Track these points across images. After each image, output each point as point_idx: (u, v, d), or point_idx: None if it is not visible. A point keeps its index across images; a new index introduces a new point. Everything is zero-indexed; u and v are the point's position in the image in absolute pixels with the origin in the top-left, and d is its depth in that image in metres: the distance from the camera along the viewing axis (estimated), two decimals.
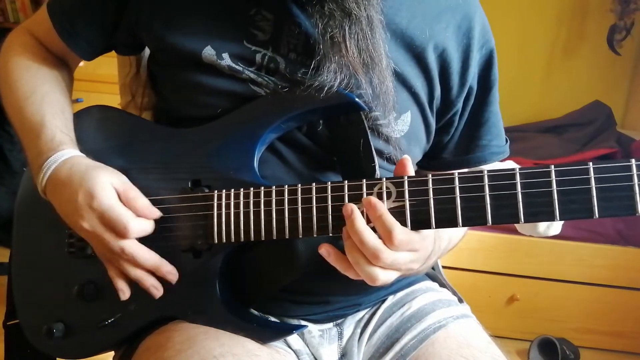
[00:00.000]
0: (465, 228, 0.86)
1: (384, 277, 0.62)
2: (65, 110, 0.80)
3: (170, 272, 0.72)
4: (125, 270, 0.71)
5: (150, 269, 0.71)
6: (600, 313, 2.01)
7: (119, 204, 0.69)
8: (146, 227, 0.70)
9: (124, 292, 0.72)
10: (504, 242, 1.98)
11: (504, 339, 2.02)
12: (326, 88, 0.68)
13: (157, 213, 0.71)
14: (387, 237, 0.60)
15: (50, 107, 0.79)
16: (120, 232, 0.68)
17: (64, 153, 0.74)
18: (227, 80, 0.73)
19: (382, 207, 0.61)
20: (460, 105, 0.80)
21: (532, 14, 2.68)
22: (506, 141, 0.88)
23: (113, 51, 0.89)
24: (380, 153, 0.75)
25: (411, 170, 0.65)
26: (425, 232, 0.64)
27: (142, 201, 0.71)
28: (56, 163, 0.73)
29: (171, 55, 0.76)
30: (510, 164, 2.01)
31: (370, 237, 0.60)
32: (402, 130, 0.76)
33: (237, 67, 0.73)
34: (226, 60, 0.73)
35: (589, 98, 2.63)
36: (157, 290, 0.72)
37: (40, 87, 0.81)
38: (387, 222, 0.60)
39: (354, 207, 0.61)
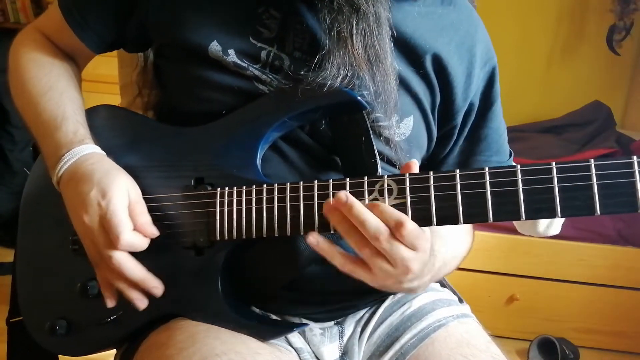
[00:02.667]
0: (462, 254, 0.83)
1: (377, 264, 0.62)
2: (82, 108, 0.81)
3: (156, 287, 0.71)
4: (110, 278, 0.71)
5: (136, 282, 0.70)
6: (600, 313, 2.01)
7: (125, 212, 0.69)
8: (138, 243, 0.69)
9: (110, 300, 0.72)
10: (504, 242, 1.98)
11: (503, 339, 2.02)
12: (328, 83, 0.69)
13: (154, 232, 0.71)
14: (397, 227, 0.60)
15: (70, 102, 0.80)
16: (112, 239, 0.68)
17: (88, 147, 0.74)
18: (232, 76, 0.74)
19: (384, 204, 0.61)
20: (460, 120, 0.81)
21: (531, 14, 2.68)
22: (510, 154, 0.88)
23: (114, 51, 0.89)
24: (380, 154, 0.75)
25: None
26: (427, 234, 0.63)
27: (145, 218, 0.71)
28: (79, 155, 0.73)
29: (178, 50, 0.77)
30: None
31: (371, 217, 0.60)
32: (403, 133, 0.77)
33: (242, 63, 0.73)
34: (232, 56, 0.73)
35: (589, 98, 2.64)
36: (141, 303, 0.72)
37: (57, 84, 0.81)
38: (394, 214, 0.60)
39: (347, 194, 0.61)
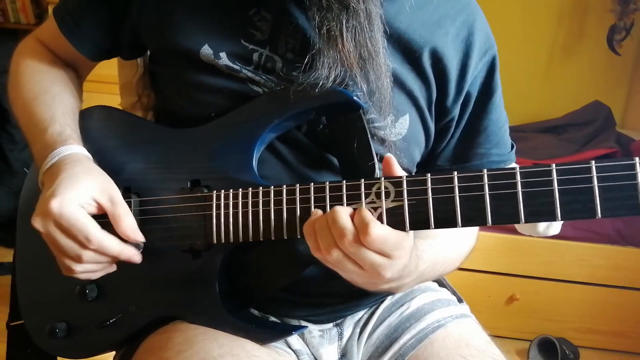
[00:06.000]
0: (460, 257, 0.82)
1: (346, 266, 0.61)
2: (75, 111, 0.81)
3: (134, 256, 0.70)
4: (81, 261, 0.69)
5: (113, 257, 0.69)
6: (600, 313, 2.01)
7: (80, 215, 0.66)
8: (129, 253, 0.69)
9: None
10: (504, 242, 1.98)
11: (503, 339, 2.02)
12: (320, 83, 0.68)
13: (140, 238, 0.70)
14: (361, 231, 0.58)
15: (61, 105, 0.79)
16: (81, 242, 0.66)
17: (70, 148, 0.74)
18: (226, 79, 0.73)
19: (364, 209, 0.60)
20: (457, 112, 0.79)
21: (532, 14, 2.68)
22: (512, 147, 0.86)
23: (111, 58, 0.89)
24: (377, 155, 0.75)
25: (397, 169, 0.64)
26: (404, 241, 0.61)
27: (128, 221, 0.69)
28: (60, 155, 0.72)
29: (170, 55, 0.77)
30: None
31: (344, 216, 0.59)
32: (400, 133, 0.76)
33: (234, 66, 0.73)
34: (224, 59, 0.73)
35: (589, 98, 2.63)
36: (136, 257, 0.70)
37: (51, 88, 0.81)
38: (364, 218, 0.59)
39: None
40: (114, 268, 0.72)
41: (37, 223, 0.68)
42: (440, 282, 0.94)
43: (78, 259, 0.68)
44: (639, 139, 2.29)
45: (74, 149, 0.74)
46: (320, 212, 0.63)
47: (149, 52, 0.87)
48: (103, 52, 0.85)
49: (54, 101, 0.79)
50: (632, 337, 2.02)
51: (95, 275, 0.71)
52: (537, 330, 2.00)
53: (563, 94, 2.74)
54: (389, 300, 0.85)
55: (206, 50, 0.73)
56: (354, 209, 0.61)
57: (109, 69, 1.10)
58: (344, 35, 0.66)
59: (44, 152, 0.74)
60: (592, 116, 2.54)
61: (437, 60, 0.75)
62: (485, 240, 1.97)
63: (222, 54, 0.73)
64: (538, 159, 2.19)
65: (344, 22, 0.66)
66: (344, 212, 0.60)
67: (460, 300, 0.90)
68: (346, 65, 0.68)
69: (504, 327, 2.04)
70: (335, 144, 0.74)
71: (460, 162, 0.82)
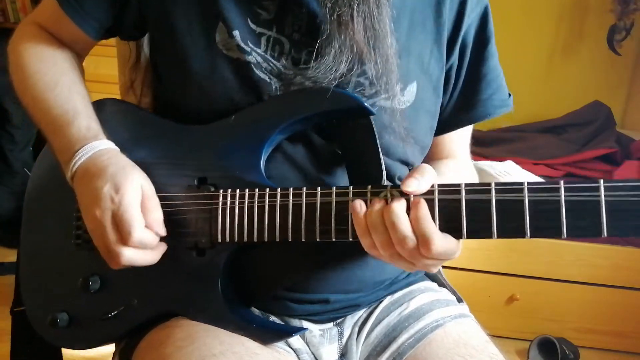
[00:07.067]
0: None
1: (399, 262, 0.64)
2: (90, 102, 0.80)
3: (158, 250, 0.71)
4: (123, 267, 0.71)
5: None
6: (600, 313, 2.01)
7: (138, 208, 0.68)
8: (149, 240, 0.69)
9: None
10: (504, 242, 1.98)
11: (503, 339, 2.02)
12: (333, 68, 0.69)
13: (161, 232, 0.71)
14: (423, 244, 0.60)
15: (80, 97, 0.79)
16: (122, 235, 0.67)
17: (102, 143, 0.74)
18: (230, 65, 0.73)
19: (425, 211, 0.61)
20: (455, 58, 0.81)
21: (532, 14, 2.68)
22: (509, 95, 0.88)
23: (113, 49, 0.89)
24: (391, 154, 0.76)
25: (428, 179, 0.63)
26: (457, 250, 0.63)
27: (156, 215, 0.70)
28: (93, 151, 0.73)
29: (176, 40, 0.76)
30: (510, 164, 2.01)
31: (404, 223, 0.60)
32: (408, 100, 0.77)
33: (246, 47, 0.73)
34: (237, 38, 0.73)
35: (589, 98, 2.63)
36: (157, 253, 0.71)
37: (62, 78, 0.80)
38: (427, 229, 0.60)
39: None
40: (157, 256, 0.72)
41: (98, 212, 0.68)
42: (440, 282, 0.94)
43: (118, 258, 0.68)
44: (639, 139, 2.29)
45: (107, 144, 0.74)
46: (363, 206, 0.63)
47: (149, 51, 0.87)
48: (105, 31, 0.84)
49: (70, 92, 0.79)
50: (632, 337, 2.02)
51: (140, 263, 0.71)
52: (537, 330, 1.99)
53: (563, 94, 2.74)
54: (388, 300, 0.85)
55: (222, 28, 0.73)
56: (407, 200, 0.61)
57: (109, 69, 1.10)
58: (355, 20, 0.68)
59: (71, 147, 0.74)
60: (592, 116, 2.54)
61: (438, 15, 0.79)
62: (485, 241, 1.96)
63: (236, 32, 0.73)
64: (538, 159, 2.20)
65: (354, 8, 0.67)
66: (403, 217, 0.60)
67: (460, 300, 0.91)
68: (356, 49, 0.69)
69: (504, 327, 2.04)
70: (344, 147, 0.75)
71: (466, 111, 0.85)
